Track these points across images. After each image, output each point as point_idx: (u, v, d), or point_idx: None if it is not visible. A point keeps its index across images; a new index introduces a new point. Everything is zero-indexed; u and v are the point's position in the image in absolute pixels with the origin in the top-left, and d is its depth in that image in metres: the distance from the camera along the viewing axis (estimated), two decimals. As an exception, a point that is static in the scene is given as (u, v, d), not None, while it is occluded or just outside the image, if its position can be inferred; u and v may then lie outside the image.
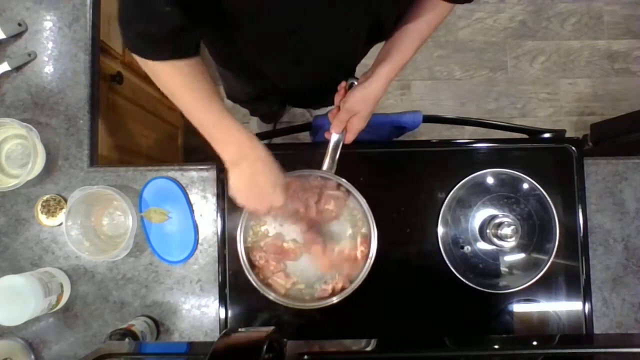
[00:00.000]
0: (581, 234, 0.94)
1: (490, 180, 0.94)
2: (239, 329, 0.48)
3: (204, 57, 0.81)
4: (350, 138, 0.88)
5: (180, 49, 0.70)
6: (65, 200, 0.95)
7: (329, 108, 1.20)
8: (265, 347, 0.42)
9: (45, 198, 0.93)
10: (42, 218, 0.94)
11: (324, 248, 0.91)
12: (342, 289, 0.88)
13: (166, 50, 0.69)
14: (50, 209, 0.94)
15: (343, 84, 0.88)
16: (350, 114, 0.85)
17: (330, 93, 0.94)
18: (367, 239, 0.91)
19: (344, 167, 0.89)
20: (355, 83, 0.86)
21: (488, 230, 0.90)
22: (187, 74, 0.72)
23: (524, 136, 1.01)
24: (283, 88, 1.09)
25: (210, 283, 0.95)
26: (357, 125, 0.86)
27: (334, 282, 0.89)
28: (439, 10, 0.80)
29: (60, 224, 0.94)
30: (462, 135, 1.98)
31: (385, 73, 0.82)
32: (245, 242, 0.90)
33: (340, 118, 0.85)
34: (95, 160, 0.99)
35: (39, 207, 0.94)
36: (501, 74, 2.08)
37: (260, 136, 1.02)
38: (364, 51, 1.00)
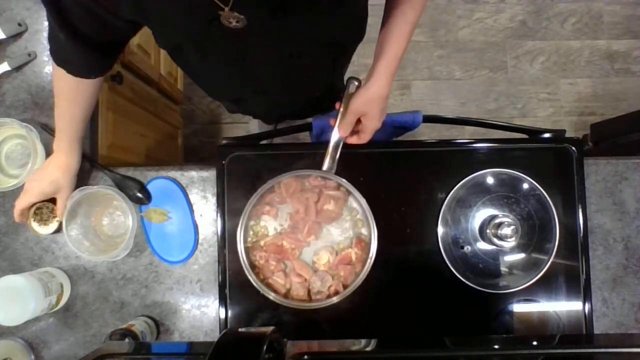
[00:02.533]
0: (581, 234, 0.94)
1: (490, 180, 0.94)
2: (239, 329, 0.48)
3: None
4: (366, 138, 0.88)
5: (79, 71, 0.79)
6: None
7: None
8: (265, 347, 0.42)
9: (37, 205, 0.92)
10: (35, 226, 0.93)
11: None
12: (336, 292, 0.88)
13: (74, 69, 0.78)
14: (42, 217, 0.93)
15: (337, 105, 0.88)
16: (357, 116, 0.85)
17: (319, 106, 0.94)
18: (361, 241, 0.91)
19: (344, 167, 0.89)
20: (356, 83, 0.85)
21: (488, 230, 0.90)
22: (75, 85, 0.81)
23: (524, 136, 1.01)
24: (263, 109, 1.09)
25: (210, 283, 0.95)
26: (370, 126, 0.86)
27: (329, 285, 0.89)
28: None
29: (54, 231, 0.93)
30: (462, 135, 1.98)
31: (383, 69, 0.81)
32: (245, 242, 0.90)
33: (347, 121, 0.85)
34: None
35: (32, 214, 0.93)
36: (501, 74, 2.08)
37: (261, 136, 1.03)
38: (336, 67, 0.99)
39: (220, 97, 1.06)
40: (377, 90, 0.82)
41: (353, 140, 0.90)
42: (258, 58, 0.77)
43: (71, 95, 0.82)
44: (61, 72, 0.78)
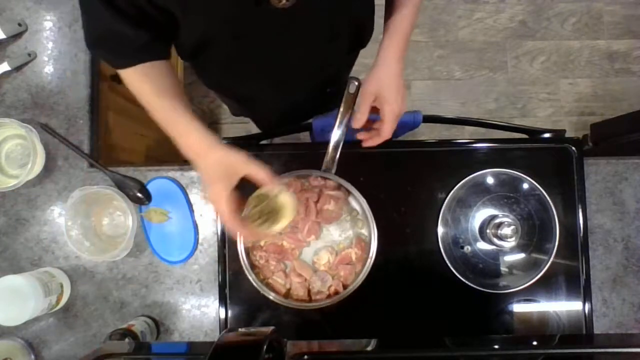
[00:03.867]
0: (581, 234, 0.94)
1: (490, 180, 0.94)
2: (239, 329, 0.48)
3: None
4: (387, 130, 0.80)
5: (146, 56, 0.73)
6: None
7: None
8: (265, 347, 0.42)
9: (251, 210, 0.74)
10: (266, 228, 0.74)
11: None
12: (336, 292, 0.88)
13: (134, 60, 0.72)
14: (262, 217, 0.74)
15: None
16: (370, 101, 0.79)
17: (324, 104, 0.94)
18: (361, 241, 0.91)
19: (344, 167, 0.89)
20: (356, 83, 0.85)
21: (488, 230, 0.90)
22: (153, 76, 0.74)
23: (524, 136, 1.01)
24: (271, 109, 1.08)
25: (210, 283, 0.95)
26: (390, 112, 0.78)
27: (329, 285, 0.89)
28: None
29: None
30: (462, 135, 1.98)
31: (391, 50, 0.78)
32: (245, 242, 0.90)
33: (361, 110, 0.80)
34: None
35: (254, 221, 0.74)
36: (501, 74, 2.08)
37: (261, 136, 1.03)
38: (349, 61, 0.99)
39: (235, 93, 1.03)
40: (387, 69, 0.78)
41: (374, 140, 0.83)
42: (293, 42, 0.76)
43: (161, 87, 0.75)
44: (138, 75, 0.73)
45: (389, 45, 0.79)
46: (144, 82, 0.74)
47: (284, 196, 0.72)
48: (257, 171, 0.69)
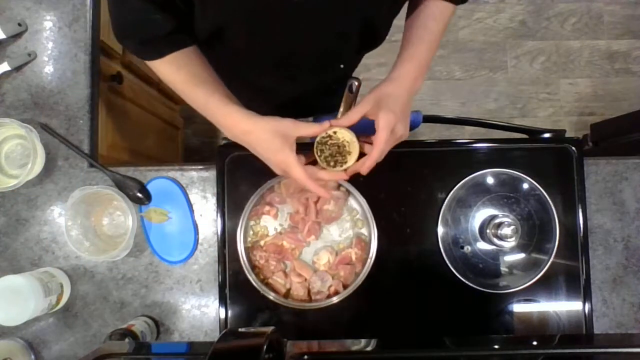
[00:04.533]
0: (581, 234, 0.94)
1: (490, 180, 0.94)
2: (239, 329, 0.48)
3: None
4: (378, 150, 0.71)
5: (175, 44, 0.74)
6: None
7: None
8: (265, 347, 0.42)
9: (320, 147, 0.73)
10: (330, 167, 0.73)
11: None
12: (336, 292, 0.88)
13: (165, 49, 0.73)
14: (331, 157, 0.73)
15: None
16: (367, 108, 0.71)
17: (328, 101, 0.93)
18: (361, 241, 0.91)
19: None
20: (356, 83, 0.85)
21: (488, 230, 0.90)
22: (184, 65, 0.75)
23: (524, 136, 1.01)
24: (278, 102, 1.08)
25: (210, 283, 0.95)
26: (384, 125, 0.69)
27: (329, 285, 0.89)
28: (441, 8, 0.78)
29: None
30: (462, 135, 1.98)
31: (409, 73, 0.74)
32: (245, 242, 0.90)
33: (354, 110, 0.72)
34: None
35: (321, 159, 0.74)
36: (501, 74, 2.08)
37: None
38: (356, 60, 0.99)
39: (242, 82, 1.04)
40: (402, 83, 0.72)
41: (365, 166, 0.72)
42: (308, 37, 0.77)
43: (194, 74, 0.75)
44: (169, 65, 0.74)
45: (410, 66, 0.73)
46: (176, 72, 0.75)
47: (340, 132, 0.73)
48: (307, 129, 0.70)
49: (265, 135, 0.70)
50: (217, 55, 0.85)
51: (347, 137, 0.74)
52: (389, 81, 0.74)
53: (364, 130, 0.75)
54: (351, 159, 0.74)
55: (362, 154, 0.74)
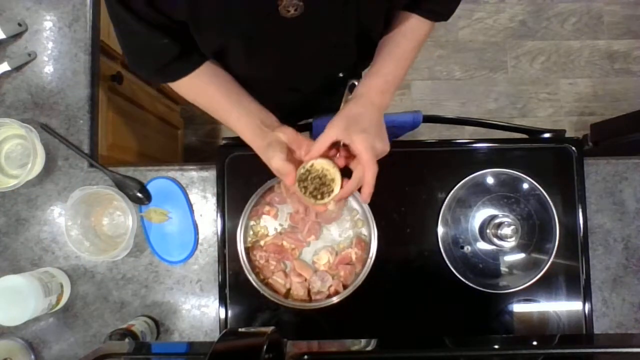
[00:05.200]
0: (581, 234, 0.94)
1: (490, 180, 0.94)
2: (239, 329, 0.48)
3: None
4: (368, 163, 0.68)
5: (189, 65, 0.76)
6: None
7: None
8: (265, 347, 0.42)
9: (302, 178, 0.72)
10: (311, 200, 0.72)
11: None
12: (336, 292, 0.88)
13: (181, 70, 0.76)
14: (312, 189, 0.72)
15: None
16: (335, 134, 0.69)
17: (329, 101, 0.93)
18: (361, 241, 0.91)
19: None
20: (356, 83, 0.85)
21: (488, 230, 0.90)
22: (205, 83, 0.78)
23: (524, 136, 1.01)
24: (283, 112, 1.08)
25: (210, 283, 0.95)
26: (365, 142, 0.67)
27: (329, 285, 0.89)
28: (414, 25, 0.77)
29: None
30: (462, 135, 1.98)
31: (374, 88, 0.74)
32: (245, 242, 0.90)
33: (320, 141, 0.70)
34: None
35: (300, 191, 0.73)
36: (501, 74, 2.08)
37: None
38: (360, 66, 0.99)
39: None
40: (369, 97, 0.73)
41: (365, 194, 0.71)
42: (305, 50, 0.77)
43: (211, 95, 0.79)
44: (188, 88, 0.79)
45: (377, 82, 0.74)
46: (196, 94, 0.80)
47: (317, 163, 0.71)
48: (284, 132, 0.75)
49: (262, 147, 0.77)
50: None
51: (325, 165, 0.71)
52: (354, 100, 0.73)
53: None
54: (336, 186, 0.72)
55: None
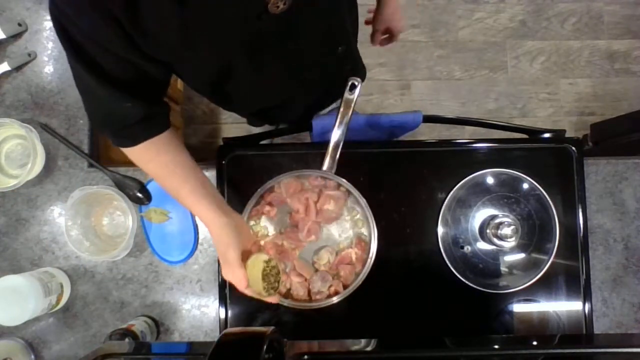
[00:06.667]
0: (581, 234, 0.94)
1: (490, 180, 0.94)
2: (239, 329, 0.48)
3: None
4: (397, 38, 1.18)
5: (149, 131, 0.72)
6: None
7: (330, 108, 1.20)
8: (265, 347, 0.42)
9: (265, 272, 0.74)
10: (263, 292, 0.75)
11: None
12: (336, 292, 0.88)
13: (139, 136, 0.72)
14: (270, 282, 0.75)
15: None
16: (386, 25, 1.13)
17: (329, 94, 0.93)
18: (361, 241, 0.91)
19: (344, 167, 0.89)
20: (356, 83, 0.85)
21: (488, 230, 0.90)
22: (164, 150, 0.74)
23: (524, 136, 1.01)
24: (298, 109, 1.08)
25: (210, 283, 0.95)
26: (398, 28, 1.15)
27: (329, 285, 0.89)
28: None
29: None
30: (462, 135, 1.98)
31: None
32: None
33: (379, 33, 1.15)
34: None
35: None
36: (501, 74, 2.08)
37: (261, 136, 1.02)
38: (354, 28, 0.99)
39: (266, 107, 1.03)
40: (389, 6, 1.08)
41: (384, 41, 1.18)
42: (303, 39, 0.77)
43: (174, 164, 0.75)
44: (148, 152, 0.73)
45: None
46: (149, 162, 0.75)
47: (273, 260, 0.74)
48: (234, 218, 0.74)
49: (217, 241, 0.74)
50: (230, 94, 0.85)
51: (274, 261, 0.75)
52: (383, 5, 1.10)
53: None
54: (281, 279, 0.75)
55: None
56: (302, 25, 0.74)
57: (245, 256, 0.72)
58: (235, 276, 0.71)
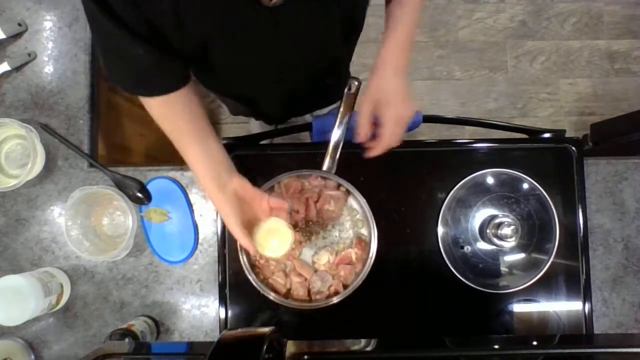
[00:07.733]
0: (581, 234, 0.94)
1: (490, 180, 0.94)
2: (239, 329, 0.48)
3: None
4: (387, 133, 0.77)
5: (171, 83, 0.73)
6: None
7: (330, 107, 1.19)
8: (265, 347, 0.42)
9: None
10: (269, 253, 0.79)
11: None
12: (336, 292, 0.88)
13: (158, 85, 0.72)
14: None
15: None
16: (371, 106, 0.77)
17: (326, 96, 0.93)
18: (361, 241, 0.91)
19: (344, 167, 0.89)
20: (356, 83, 0.85)
21: (488, 230, 0.90)
22: (179, 110, 0.75)
23: (524, 136, 1.01)
24: (272, 106, 1.08)
25: (210, 283, 0.95)
26: (393, 114, 0.76)
27: (329, 285, 0.89)
28: None
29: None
30: (462, 135, 1.98)
31: (391, 50, 0.77)
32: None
33: (362, 116, 0.78)
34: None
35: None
36: (501, 74, 2.08)
37: (261, 136, 1.03)
38: (347, 51, 0.98)
39: (236, 92, 1.03)
40: (386, 71, 0.75)
41: (374, 150, 0.79)
42: (289, 38, 0.77)
43: (189, 124, 0.76)
44: (162, 109, 0.75)
45: (389, 45, 0.77)
46: (164, 119, 0.77)
47: (272, 222, 0.77)
48: (241, 185, 0.77)
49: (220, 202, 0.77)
50: (207, 71, 0.85)
51: (276, 226, 0.77)
52: (376, 72, 0.77)
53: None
54: (288, 242, 0.77)
55: None
56: (292, 25, 0.74)
57: (252, 223, 0.77)
58: (243, 244, 0.76)
